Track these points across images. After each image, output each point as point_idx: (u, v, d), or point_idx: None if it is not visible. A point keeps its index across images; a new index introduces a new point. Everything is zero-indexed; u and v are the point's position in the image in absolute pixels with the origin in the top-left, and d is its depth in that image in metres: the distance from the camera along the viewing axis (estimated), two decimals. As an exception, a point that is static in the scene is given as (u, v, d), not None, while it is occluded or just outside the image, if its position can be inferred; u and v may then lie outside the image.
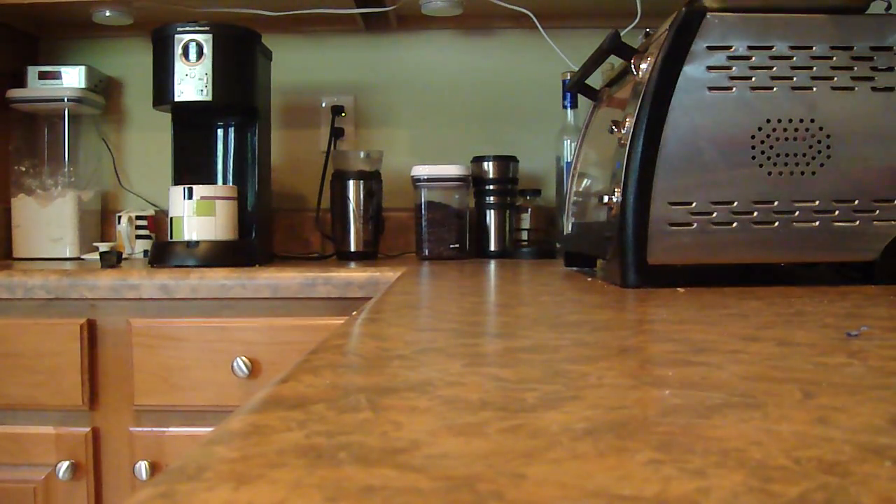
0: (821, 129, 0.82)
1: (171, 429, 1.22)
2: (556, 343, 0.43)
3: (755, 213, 0.82)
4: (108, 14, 1.68)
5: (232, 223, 1.41)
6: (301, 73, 1.85)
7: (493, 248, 1.65)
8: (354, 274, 1.23)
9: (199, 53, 1.38)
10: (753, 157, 0.82)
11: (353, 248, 1.61)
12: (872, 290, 0.76)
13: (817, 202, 0.82)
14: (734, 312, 0.58)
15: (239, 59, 1.44)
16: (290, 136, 1.86)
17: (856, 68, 0.82)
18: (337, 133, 1.81)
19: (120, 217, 1.67)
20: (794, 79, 0.82)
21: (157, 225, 1.75)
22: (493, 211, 1.65)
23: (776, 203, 0.82)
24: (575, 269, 1.17)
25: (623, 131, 0.83)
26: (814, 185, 0.82)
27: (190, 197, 1.36)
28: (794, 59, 0.82)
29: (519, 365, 0.36)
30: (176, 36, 1.39)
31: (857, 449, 0.22)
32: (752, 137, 0.82)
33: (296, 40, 1.84)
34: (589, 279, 0.95)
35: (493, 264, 1.40)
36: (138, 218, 1.70)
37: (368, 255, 1.62)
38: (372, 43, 1.86)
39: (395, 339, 0.46)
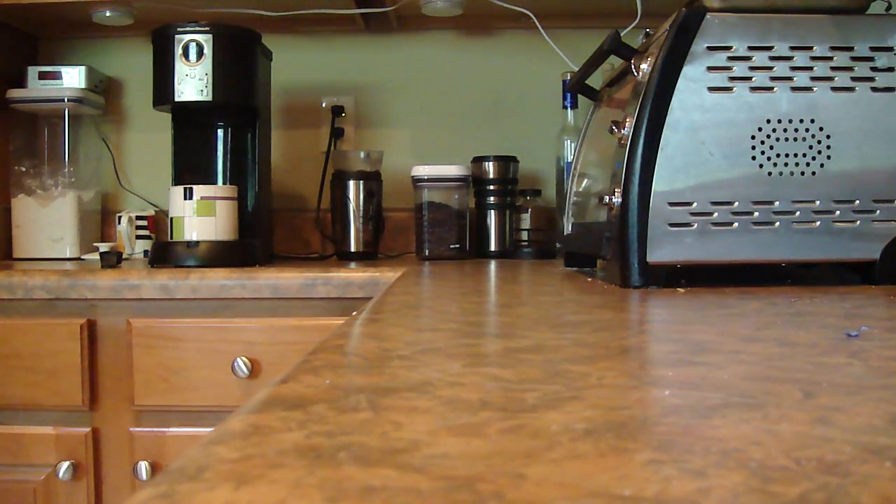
0: (821, 129, 0.82)
1: (171, 429, 1.22)
2: (557, 343, 0.43)
3: (755, 213, 0.82)
4: (108, 14, 1.68)
5: (232, 223, 1.41)
6: (301, 73, 1.85)
7: (493, 248, 1.65)
8: (354, 274, 1.23)
9: (200, 53, 1.38)
10: (753, 158, 0.82)
11: (353, 249, 1.61)
12: (872, 291, 0.76)
13: (817, 202, 0.82)
14: (734, 312, 0.58)
15: (239, 59, 1.44)
16: (290, 136, 1.86)
17: (856, 69, 0.82)
18: (337, 133, 1.81)
19: (120, 217, 1.67)
20: (795, 79, 0.82)
21: (157, 225, 1.75)
22: (493, 211, 1.65)
23: (776, 203, 0.82)
24: (575, 269, 1.17)
25: (623, 131, 0.83)
26: (814, 185, 0.82)
27: (190, 197, 1.36)
28: (795, 59, 0.82)
29: (519, 365, 0.36)
30: (176, 36, 1.39)
31: (857, 449, 0.22)
32: (752, 137, 0.82)
33: (296, 40, 1.84)
34: (589, 279, 0.95)
35: (493, 264, 1.40)
36: (138, 218, 1.70)
37: (368, 256, 1.62)
38: (372, 43, 1.86)
39: (396, 339, 0.46)
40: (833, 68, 0.82)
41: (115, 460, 1.23)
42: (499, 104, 1.85)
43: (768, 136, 0.82)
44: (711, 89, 0.81)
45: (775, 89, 0.82)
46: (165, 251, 1.36)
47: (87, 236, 1.72)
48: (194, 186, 1.37)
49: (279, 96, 1.76)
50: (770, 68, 0.82)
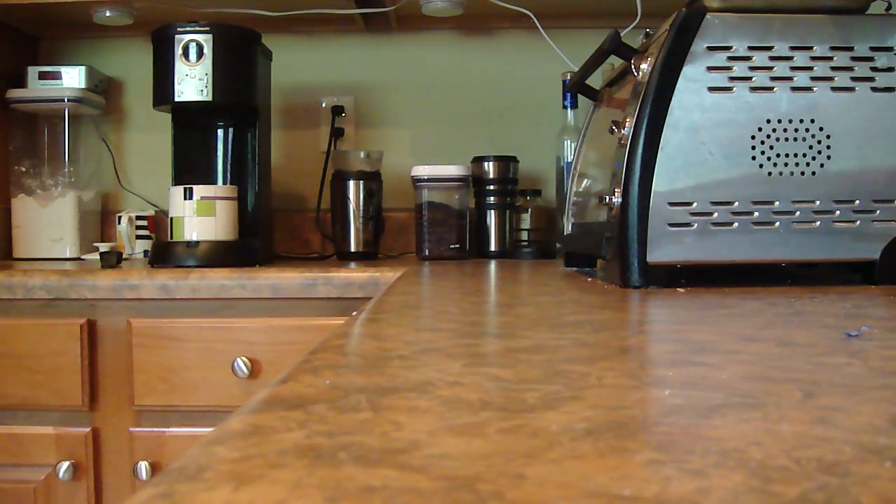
0: (821, 129, 0.82)
1: (171, 429, 1.22)
2: (557, 343, 0.43)
3: (755, 213, 0.82)
4: (108, 14, 1.68)
5: (232, 223, 1.41)
6: (301, 73, 1.85)
7: (493, 248, 1.65)
8: (354, 274, 1.23)
9: (199, 53, 1.38)
10: (753, 158, 0.82)
11: (353, 249, 1.61)
12: (872, 290, 0.76)
13: (817, 202, 0.82)
14: (734, 312, 0.58)
15: (239, 59, 1.44)
16: (290, 136, 1.86)
17: (856, 69, 0.82)
18: (337, 133, 1.81)
19: (120, 217, 1.67)
20: (795, 79, 0.82)
21: (157, 225, 1.75)
22: (493, 211, 1.65)
23: (776, 203, 0.82)
24: (575, 269, 1.17)
25: (623, 131, 0.83)
26: (814, 185, 0.82)
27: (190, 197, 1.36)
28: (795, 59, 0.82)
29: (519, 365, 0.36)
30: (176, 36, 1.39)
31: (857, 449, 0.22)
32: (752, 137, 0.82)
33: (296, 40, 1.84)
34: (589, 279, 0.95)
35: (493, 264, 1.40)
36: (138, 218, 1.70)
37: (368, 256, 1.62)
38: (372, 43, 1.86)
39: (396, 339, 0.46)
40: (833, 68, 0.82)
41: (115, 460, 1.23)
42: (499, 104, 1.85)
43: (768, 136, 0.82)
44: (711, 89, 0.81)
45: (775, 89, 0.82)
46: (165, 251, 1.36)
47: (87, 236, 1.72)
48: (194, 186, 1.37)
49: (279, 96, 1.76)
50: (770, 68, 0.82)
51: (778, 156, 0.82)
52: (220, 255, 1.35)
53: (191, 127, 1.54)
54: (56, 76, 1.68)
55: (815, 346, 0.42)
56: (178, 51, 1.38)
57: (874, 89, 0.82)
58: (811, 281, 0.87)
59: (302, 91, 1.85)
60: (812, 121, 0.82)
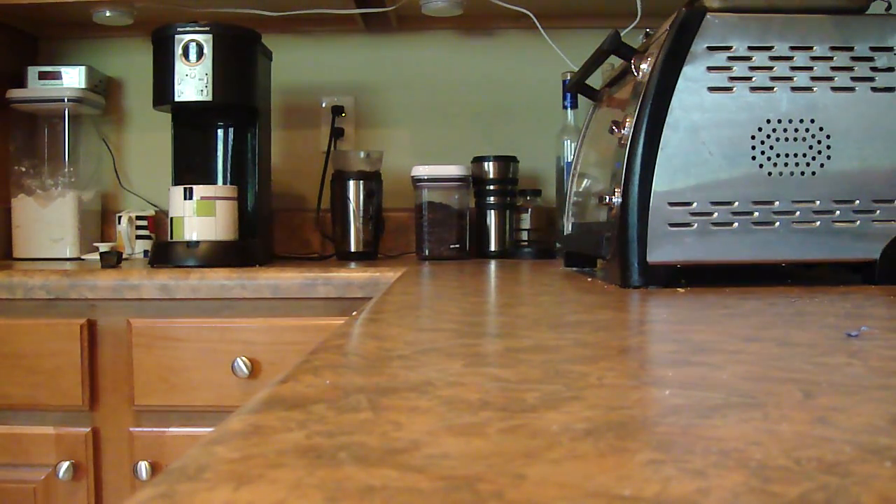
0: (821, 129, 0.82)
1: (171, 429, 1.22)
2: (557, 343, 0.43)
3: (755, 213, 0.82)
4: (108, 14, 1.68)
5: (232, 223, 1.41)
6: (301, 73, 1.85)
7: (493, 248, 1.65)
8: (354, 274, 1.23)
9: (200, 53, 1.38)
10: (753, 158, 0.82)
11: (353, 249, 1.61)
12: (872, 290, 0.76)
13: (817, 202, 0.82)
14: (734, 312, 0.58)
15: (239, 59, 1.44)
16: (290, 136, 1.86)
17: (856, 69, 0.82)
18: (337, 133, 1.81)
19: (120, 217, 1.67)
20: (795, 79, 0.82)
21: (157, 225, 1.75)
22: (493, 211, 1.65)
23: (776, 203, 0.82)
24: (575, 269, 1.17)
25: (623, 131, 0.83)
26: (814, 185, 0.82)
27: (190, 197, 1.36)
28: (795, 59, 0.82)
29: (519, 365, 0.36)
30: (176, 36, 1.39)
31: (857, 449, 0.22)
32: (752, 137, 0.82)
33: (296, 40, 1.84)
34: (589, 279, 0.95)
35: (493, 264, 1.40)
36: (138, 218, 1.70)
37: (368, 256, 1.62)
38: (372, 43, 1.86)
39: (396, 339, 0.46)
40: (833, 68, 0.82)
41: (115, 460, 1.23)
42: (499, 104, 1.85)
43: (768, 136, 0.82)
44: (711, 89, 0.81)
45: (775, 89, 0.82)
46: (165, 251, 1.36)
47: (87, 236, 1.72)
48: (194, 186, 1.37)
49: (279, 96, 1.76)
50: (770, 68, 0.82)
51: (778, 156, 0.82)
52: (220, 255, 1.35)
53: (191, 127, 1.54)
54: (56, 76, 1.68)
55: (815, 346, 0.42)
56: (178, 51, 1.38)
57: (874, 89, 0.82)
58: (811, 281, 0.87)
59: (302, 91, 1.85)
60: (812, 121, 0.82)
